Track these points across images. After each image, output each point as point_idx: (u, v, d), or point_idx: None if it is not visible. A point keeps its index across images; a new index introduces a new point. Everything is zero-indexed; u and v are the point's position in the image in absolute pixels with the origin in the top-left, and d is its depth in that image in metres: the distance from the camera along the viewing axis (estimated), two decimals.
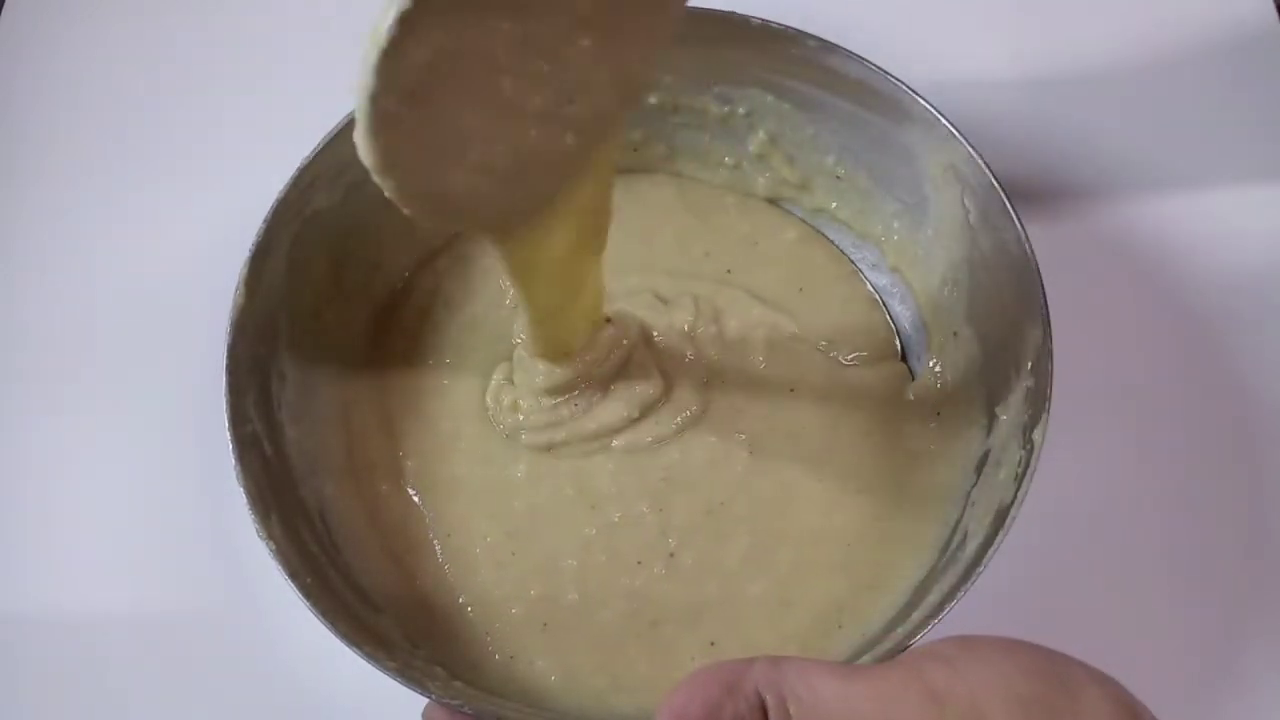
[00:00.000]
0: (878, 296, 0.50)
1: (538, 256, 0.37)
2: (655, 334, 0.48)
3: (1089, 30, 0.58)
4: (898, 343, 0.49)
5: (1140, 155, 0.54)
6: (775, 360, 0.48)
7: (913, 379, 0.48)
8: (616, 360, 0.45)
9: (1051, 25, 0.58)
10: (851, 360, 0.48)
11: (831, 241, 0.51)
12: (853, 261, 0.51)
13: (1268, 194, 0.54)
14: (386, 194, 0.30)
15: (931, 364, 0.47)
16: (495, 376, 0.47)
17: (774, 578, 0.44)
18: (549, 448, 0.46)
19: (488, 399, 0.47)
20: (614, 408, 0.46)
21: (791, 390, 0.48)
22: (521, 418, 0.46)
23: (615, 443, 0.46)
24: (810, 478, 0.46)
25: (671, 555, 0.44)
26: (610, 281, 0.43)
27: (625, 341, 0.46)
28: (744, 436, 0.46)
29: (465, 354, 0.48)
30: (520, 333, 0.46)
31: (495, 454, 0.46)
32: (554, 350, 0.44)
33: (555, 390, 0.45)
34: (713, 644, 0.43)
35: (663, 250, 0.50)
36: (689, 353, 0.48)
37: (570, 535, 0.44)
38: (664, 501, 0.45)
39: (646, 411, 0.46)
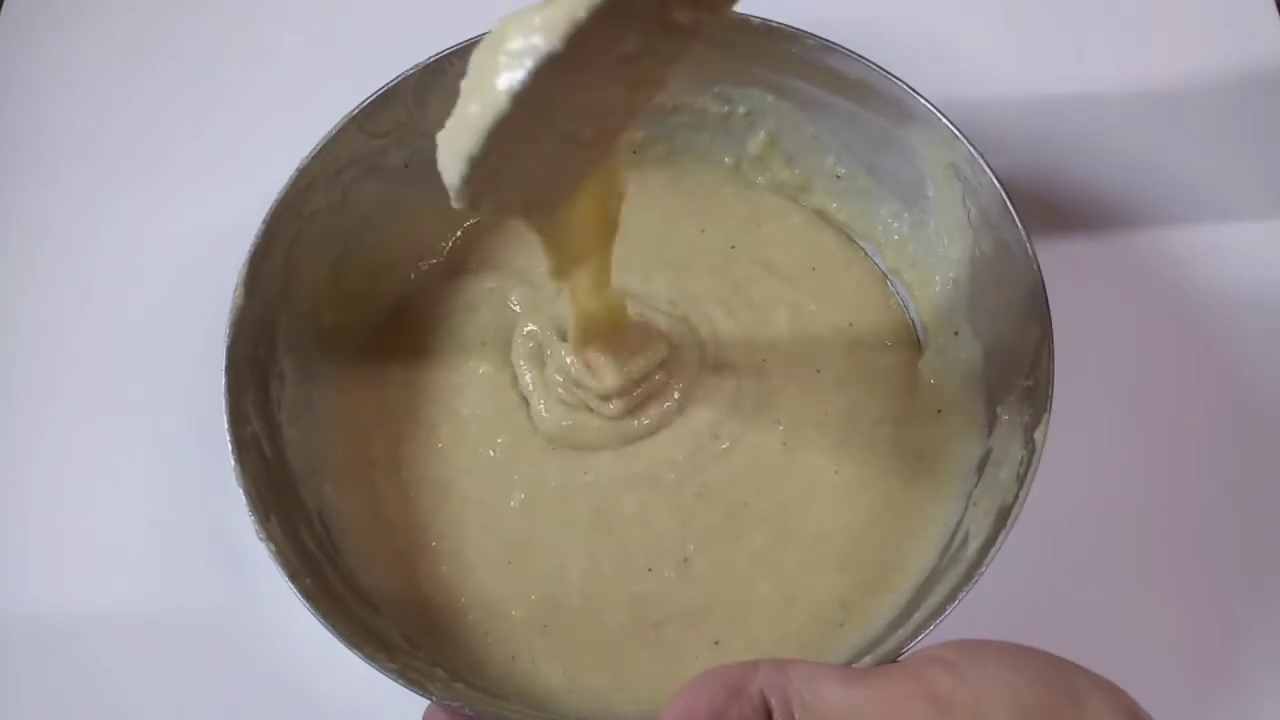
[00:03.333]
0: (889, 281, 0.50)
1: (570, 236, 0.38)
2: (669, 304, 0.48)
3: (1090, 29, 0.58)
4: (913, 328, 0.49)
5: (1141, 154, 0.54)
6: (800, 340, 0.47)
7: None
8: (648, 364, 0.46)
9: (1053, 24, 0.58)
10: (870, 342, 0.48)
11: (837, 228, 0.51)
12: (861, 247, 0.50)
13: (1269, 193, 0.54)
14: (455, 204, 0.32)
15: (931, 363, 0.47)
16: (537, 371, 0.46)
17: (781, 576, 0.43)
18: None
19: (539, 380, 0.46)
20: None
21: (818, 371, 0.47)
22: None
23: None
24: (830, 469, 0.45)
25: (685, 560, 0.44)
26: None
27: (652, 341, 0.46)
28: (781, 427, 0.46)
29: (465, 355, 0.48)
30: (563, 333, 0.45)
31: (497, 457, 0.46)
32: (593, 330, 0.44)
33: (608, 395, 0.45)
34: (716, 643, 0.42)
35: (649, 231, 0.50)
36: (714, 331, 0.47)
37: (577, 547, 0.44)
38: (691, 512, 0.44)
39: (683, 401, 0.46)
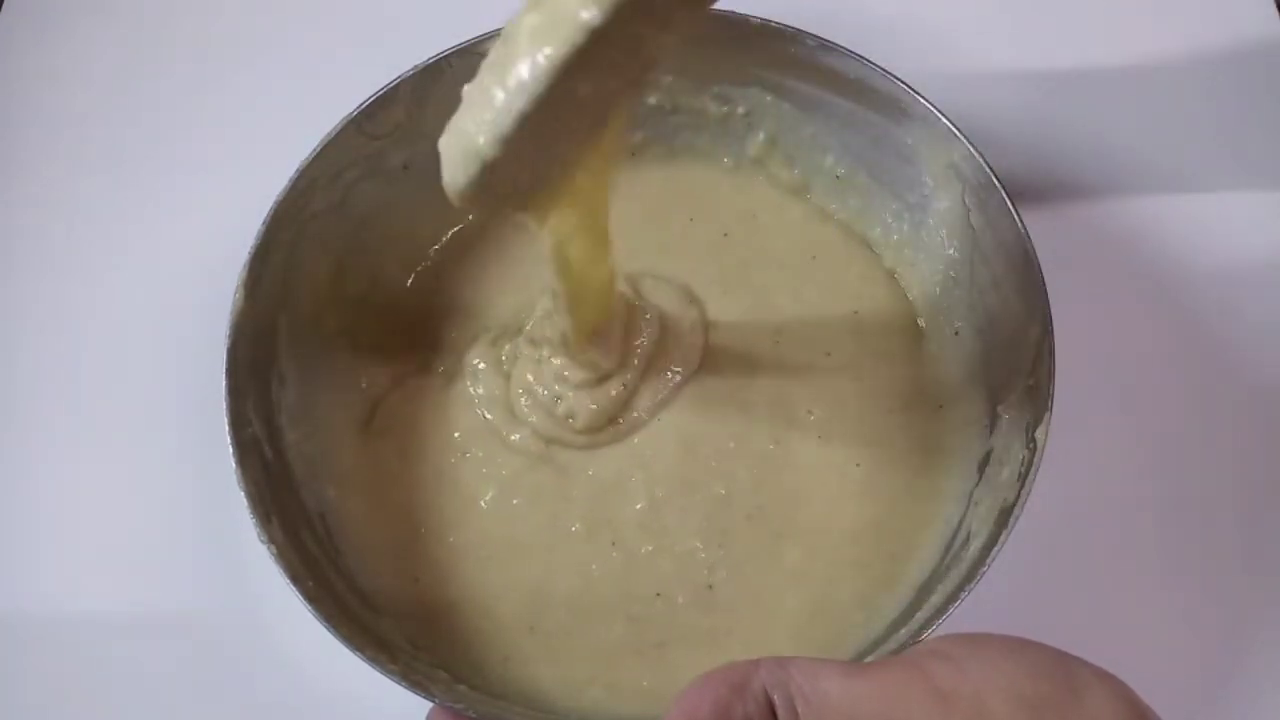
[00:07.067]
0: (893, 274, 0.49)
1: (566, 223, 0.38)
2: (668, 303, 0.47)
3: (1090, 28, 0.58)
4: (915, 323, 0.48)
5: (1142, 152, 0.54)
6: (806, 324, 0.47)
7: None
8: (649, 341, 0.45)
9: (1052, 22, 0.58)
10: (876, 330, 0.48)
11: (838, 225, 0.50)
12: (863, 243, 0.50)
13: (1270, 190, 0.54)
14: (457, 201, 0.32)
15: (932, 362, 0.47)
16: (519, 375, 0.46)
17: (810, 590, 0.43)
18: (602, 430, 0.45)
19: (519, 398, 0.46)
20: (654, 387, 0.45)
21: (828, 355, 0.47)
22: (568, 406, 0.45)
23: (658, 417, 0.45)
24: (852, 462, 0.45)
25: (710, 588, 0.43)
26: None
27: (648, 315, 0.46)
28: (814, 417, 0.45)
29: (467, 357, 0.48)
30: (550, 323, 0.45)
31: (498, 458, 0.46)
32: (589, 325, 0.43)
33: (594, 377, 0.44)
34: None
35: (630, 222, 0.48)
36: (716, 312, 0.47)
37: (569, 555, 0.44)
38: (715, 524, 0.44)
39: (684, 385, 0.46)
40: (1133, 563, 0.46)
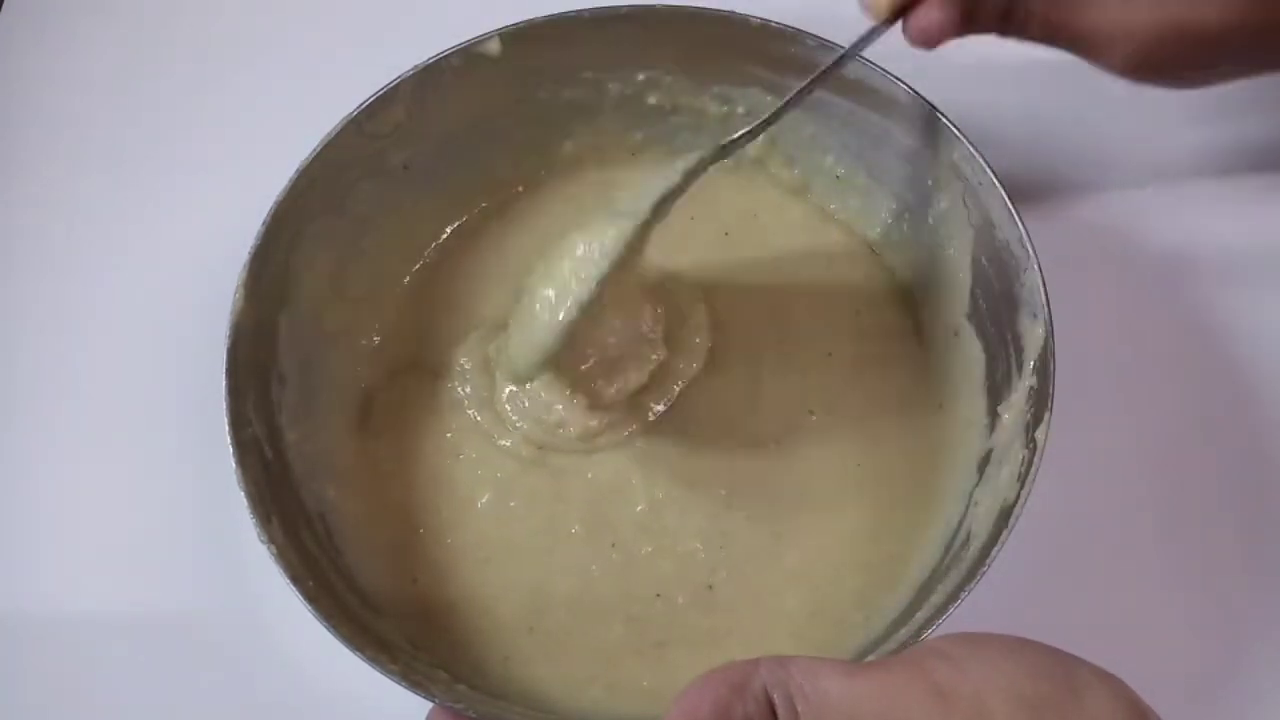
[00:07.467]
0: (894, 273, 0.49)
1: None
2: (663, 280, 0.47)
3: None
4: (916, 324, 0.49)
5: (1143, 152, 0.54)
6: (808, 323, 0.47)
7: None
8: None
9: None
10: (877, 332, 0.48)
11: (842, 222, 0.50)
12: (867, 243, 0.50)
13: (1270, 190, 0.54)
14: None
15: (932, 363, 0.47)
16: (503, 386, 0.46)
17: (810, 589, 0.43)
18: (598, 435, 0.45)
19: (504, 402, 0.46)
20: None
21: (829, 355, 0.47)
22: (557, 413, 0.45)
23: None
24: (854, 462, 0.45)
25: (710, 588, 0.43)
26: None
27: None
28: (814, 417, 0.46)
29: (466, 357, 0.48)
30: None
31: (499, 458, 0.46)
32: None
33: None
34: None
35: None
36: (716, 310, 0.47)
37: (569, 558, 0.44)
38: (717, 526, 0.44)
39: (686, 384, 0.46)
40: (1133, 563, 0.46)
